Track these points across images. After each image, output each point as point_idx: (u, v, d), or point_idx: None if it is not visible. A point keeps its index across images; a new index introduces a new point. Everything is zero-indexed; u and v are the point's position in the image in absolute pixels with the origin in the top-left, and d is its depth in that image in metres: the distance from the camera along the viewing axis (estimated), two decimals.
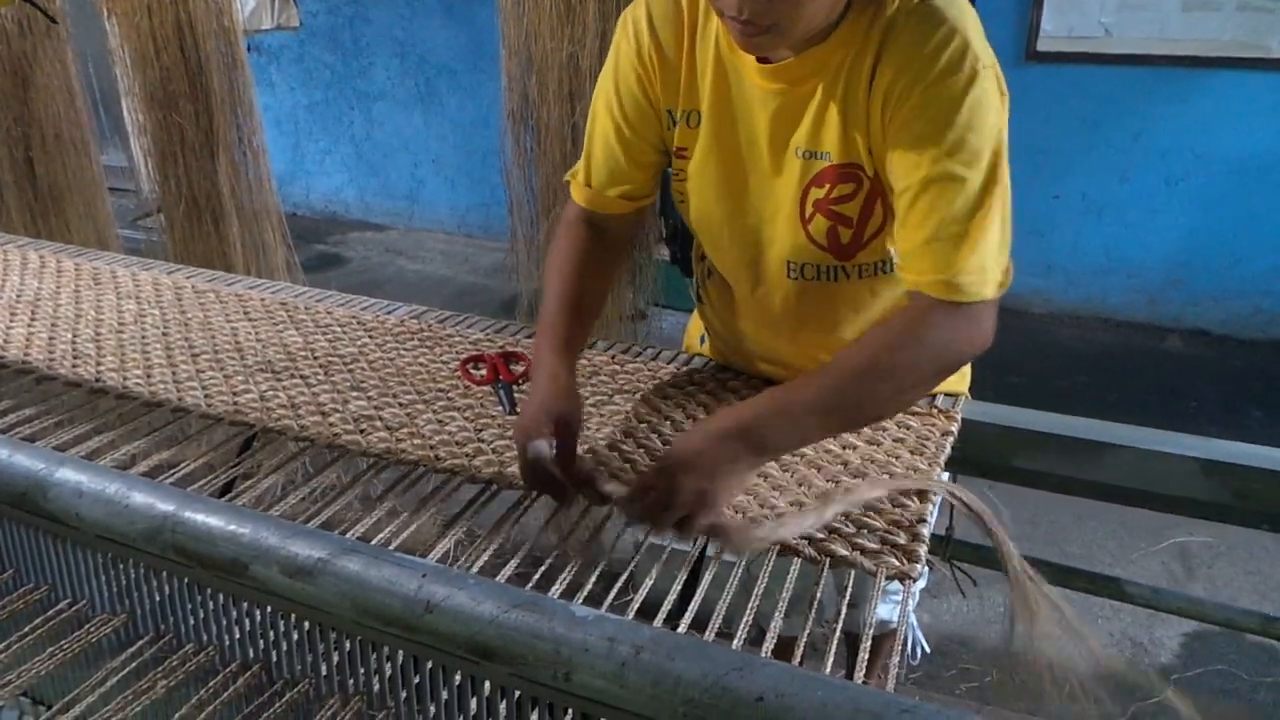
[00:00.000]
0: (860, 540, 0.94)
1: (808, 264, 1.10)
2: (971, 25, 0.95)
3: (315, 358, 1.37)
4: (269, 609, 0.84)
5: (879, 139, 0.99)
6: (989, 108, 0.94)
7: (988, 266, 0.97)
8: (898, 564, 0.91)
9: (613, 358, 1.37)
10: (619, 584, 0.90)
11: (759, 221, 1.11)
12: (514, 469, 1.05)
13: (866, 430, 1.15)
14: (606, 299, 1.20)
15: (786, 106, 1.04)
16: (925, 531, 0.96)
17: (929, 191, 0.96)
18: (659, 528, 0.91)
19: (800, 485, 1.03)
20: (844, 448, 1.11)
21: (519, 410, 1.10)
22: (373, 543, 0.88)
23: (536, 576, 0.90)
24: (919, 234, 0.97)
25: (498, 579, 0.82)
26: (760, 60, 1.03)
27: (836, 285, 1.12)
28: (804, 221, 1.07)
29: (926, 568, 0.94)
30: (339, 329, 1.48)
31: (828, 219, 1.06)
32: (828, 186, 1.04)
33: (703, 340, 1.40)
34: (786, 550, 0.93)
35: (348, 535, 0.88)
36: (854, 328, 1.17)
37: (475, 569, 0.88)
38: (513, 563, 0.96)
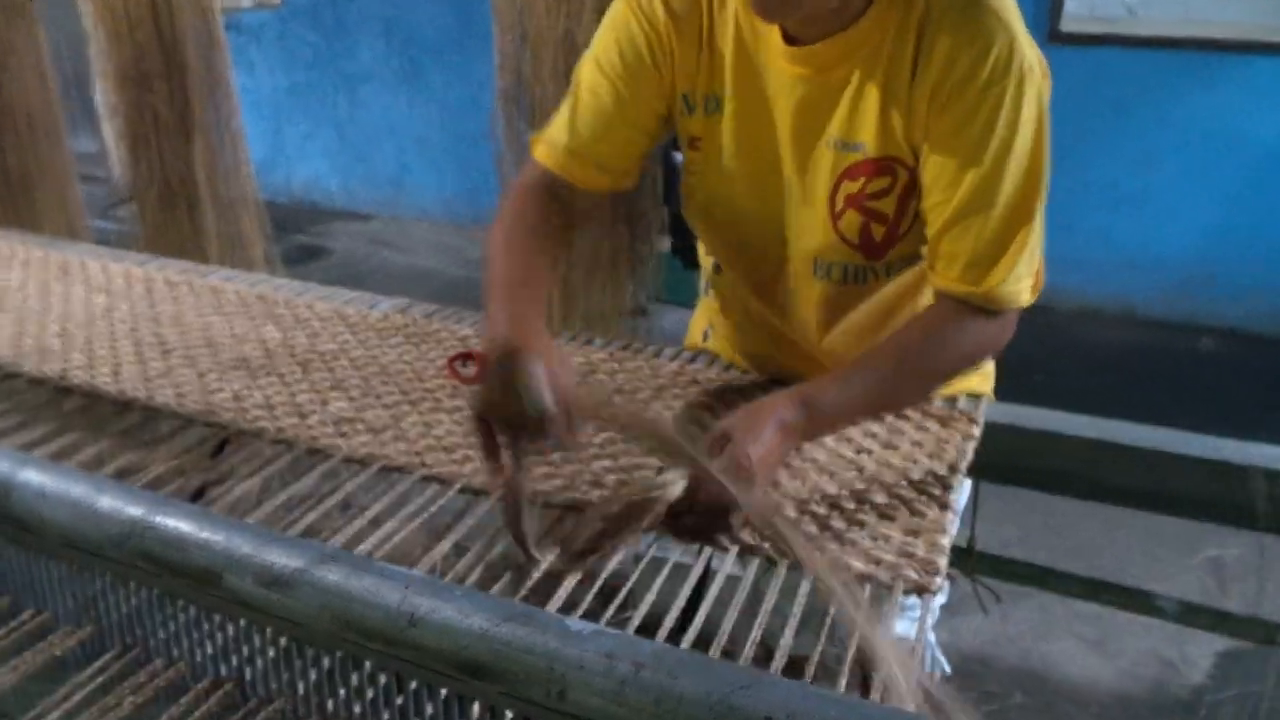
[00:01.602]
0: (876, 551, 0.93)
1: (835, 264, 1.10)
2: (1013, 14, 0.95)
3: (294, 355, 1.37)
4: (243, 622, 0.83)
5: (920, 135, 0.99)
6: (1035, 114, 0.95)
7: (1023, 275, 1.00)
8: (915, 577, 0.90)
9: (611, 355, 1.37)
10: (618, 600, 0.90)
11: (782, 218, 1.10)
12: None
13: (882, 433, 1.14)
14: (556, 272, 1.14)
15: (815, 94, 1.03)
16: (945, 542, 0.95)
17: (969, 205, 0.97)
18: (708, 536, 0.93)
19: (812, 493, 1.03)
20: (858, 452, 1.11)
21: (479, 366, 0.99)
22: (355, 553, 0.88)
23: (527, 584, 0.89)
24: (956, 246, 0.99)
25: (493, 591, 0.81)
26: (787, 43, 1.02)
27: (864, 287, 1.12)
28: (834, 217, 1.06)
29: (947, 581, 0.94)
30: (319, 324, 1.48)
31: (861, 215, 1.05)
32: (863, 180, 1.03)
33: (706, 336, 1.40)
34: (798, 564, 0.93)
35: (327, 544, 0.88)
36: (879, 329, 1.17)
37: (466, 583, 0.88)
38: (505, 577, 0.95)
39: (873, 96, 1.00)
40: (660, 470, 0.90)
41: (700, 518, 0.93)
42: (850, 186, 1.04)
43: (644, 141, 1.13)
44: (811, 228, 1.08)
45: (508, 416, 0.90)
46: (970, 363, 1.07)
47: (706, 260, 1.32)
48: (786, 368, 1.26)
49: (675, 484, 0.91)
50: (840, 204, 1.05)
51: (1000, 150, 0.95)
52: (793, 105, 1.04)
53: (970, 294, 1.00)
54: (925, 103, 0.97)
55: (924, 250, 1.07)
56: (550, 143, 1.13)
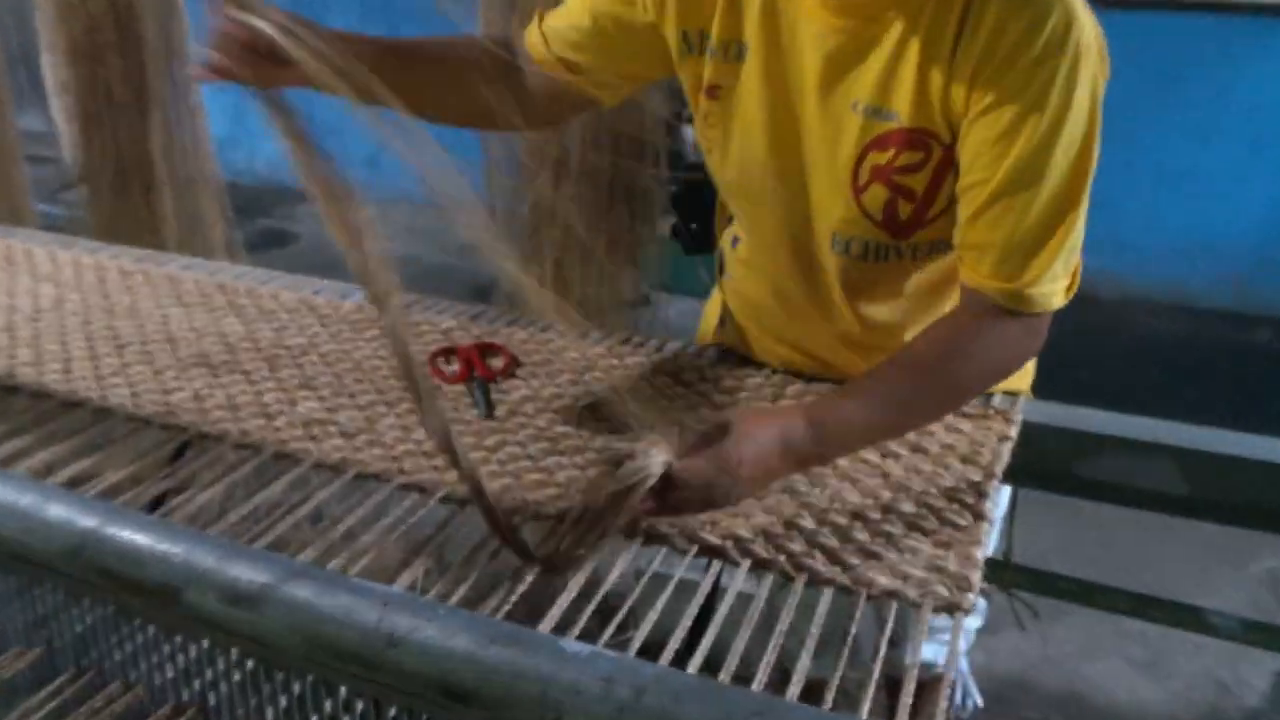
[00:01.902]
0: (904, 566, 0.94)
1: (855, 239, 1.09)
2: None
3: (259, 350, 1.37)
4: (206, 643, 0.83)
5: (959, 110, 0.99)
6: (1089, 97, 0.95)
7: (1059, 275, 0.99)
8: (946, 594, 0.90)
9: (609, 349, 1.37)
10: (618, 619, 0.90)
11: (805, 184, 1.10)
12: (493, 486, 1.04)
13: (910, 435, 1.14)
14: (428, 109, 1.13)
15: (846, 49, 1.02)
16: (979, 555, 0.95)
17: (1009, 191, 0.97)
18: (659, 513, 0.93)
19: (833, 501, 1.03)
20: (884, 456, 1.11)
21: None
22: (327, 568, 0.88)
23: (513, 599, 0.89)
24: (991, 235, 0.99)
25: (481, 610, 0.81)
26: None
27: (886, 265, 1.11)
28: (856, 189, 1.06)
29: (981, 599, 0.94)
30: (286, 316, 1.48)
31: (887, 189, 1.05)
32: (892, 152, 1.03)
33: (722, 324, 1.40)
34: (816, 580, 0.93)
35: (297, 558, 0.88)
36: (900, 315, 1.17)
37: (450, 601, 0.88)
38: (495, 594, 0.95)
39: (911, 60, 0.99)
40: (634, 454, 0.89)
41: (681, 496, 0.92)
42: (878, 158, 1.04)
43: (630, 76, 1.17)
44: (832, 198, 1.08)
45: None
46: (998, 376, 1.06)
47: (724, 234, 1.31)
48: (814, 359, 1.27)
49: (654, 461, 0.90)
50: (865, 176, 1.05)
51: (1049, 131, 0.94)
52: (821, 59, 1.03)
53: (1001, 292, 0.99)
54: (968, 73, 0.96)
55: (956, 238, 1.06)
56: (541, 15, 1.18)
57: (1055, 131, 0.94)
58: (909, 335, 1.18)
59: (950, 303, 1.14)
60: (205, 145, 2.94)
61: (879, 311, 1.17)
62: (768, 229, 1.17)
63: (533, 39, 1.18)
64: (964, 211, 1.01)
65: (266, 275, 1.64)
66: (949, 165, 1.02)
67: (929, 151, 1.02)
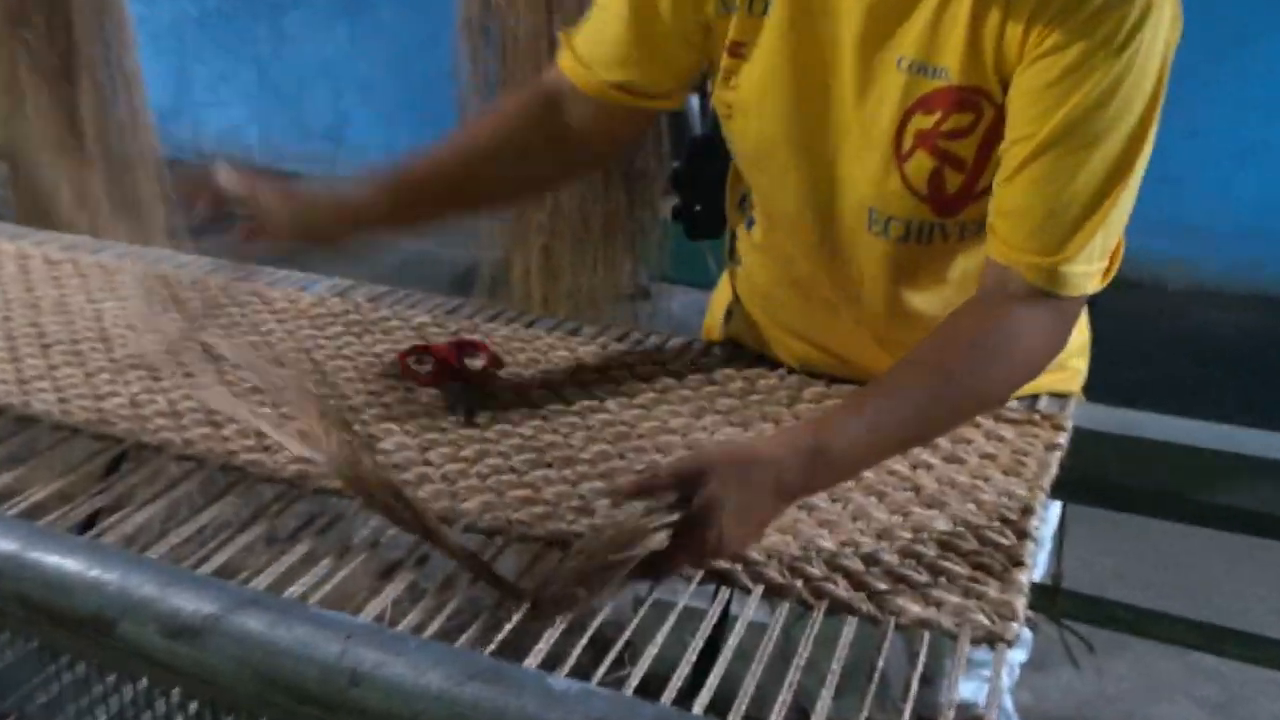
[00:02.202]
0: (938, 592, 0.94)
1: (896, 218, 1.09)
2: None
3: (206, 350, 1.37)
4: (144, 682, 0.83)
5: (1012, 62, 0.99)
6: (1156, 50, 0.95)
7: (1097, 256, 1.00)
8: (987, 623, 0.91)
9: (604, 347, 1.37)
10: (613, 653, 0.90)
11: (835, 153, 1.10)
12: (472, 504, 1.04)
13: (944, 444, 1.14)
14: (508, 197, 1.25)
15: (890, 1, 1.03)
16: (1025, 579, 0.95)
17: (1057, 149, 0.97)
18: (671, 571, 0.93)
19: (855, 520, 1.03)
20: (914, 468, 1.11)
21: None
22: (282, 596, 0.88)
23: (499, 639, 0.89)
24: (1029, 199, 0.99)
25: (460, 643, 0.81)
26: None
27: (929, 248, 1.11)
28: (899, 158, 1.06)
29: (1027, 629, 0.94)
30: (237, 311, 1.48)
31: (933, 158, 1.05)
32: (939, 114, 1.03)
33: (729, 316, 1.40)
34: (838, 608, 0.93)
35: (248, 585, 0.88)
36: (941, 306, 1.17)
37: (425, 634, 0.88)
38: (475, 626, 0.95)
39: (962, 7, 0.99)
40: (649, 511, 0.90)
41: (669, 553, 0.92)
42: (923, 121, 1.04)
43: (685, 62, 1.17)
44: (869, 170, 1.08)
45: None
46: (1028, 375, 1.06)
47: (736, 216, 1.32)
48: (834, 356, 1.27)
49: (658, 534, 0.90)
50: (909, 142, 1.05)
51: (1109, 86, 0.94)
52: (863, 11, 1.03)
53: (1035, 268, 0.99)
54: (1026, 14, 0.97)
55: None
56: (570, 45, 1.19)
57: (1116, 87, 0.94)
58: None
59: None
60: (143, 117, 2.94)
61: (919, 302, 1.17)
62: (789, 208, 1.17)
63: (573, 68, 1.18)
64: (1001, 172, 1.00)
65: (214, 265, 1.64)
66: (1000, 130, 1.02)
67: (979, 113, 1.02)
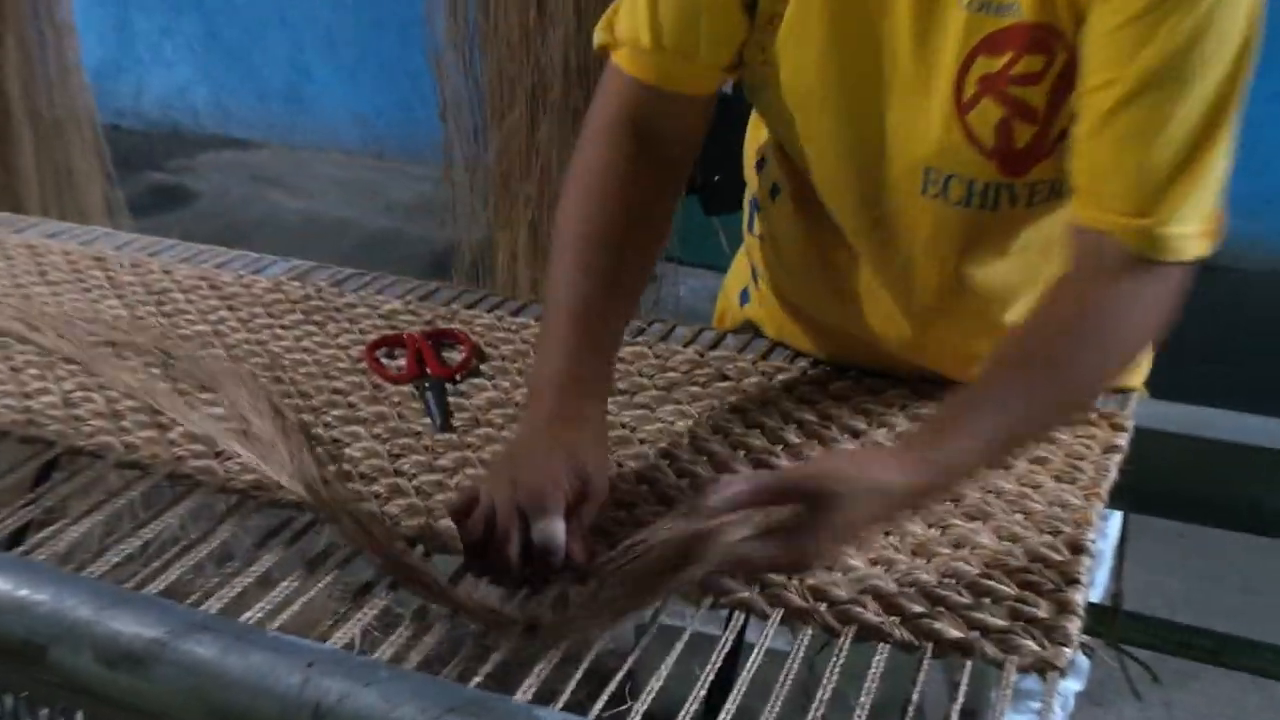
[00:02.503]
0: (980, 614, 0.94)
1: (956, 177, 1.09)
2: None
3: (149, 341, 1.38)
4: (80, 716, 0.83)
5: None
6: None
7: (1198, 215, 0.99)
8: (1037, 649, 0.91)
9: None
10: (612, 685, 0.90)
11: (885, 104, 1.10)
12: (448, 522, 1.04)
13: None
14: (653, 266, 1.20)
15: None
16: (1080, 599, 0.96)
17: (1144, 97, 0.96)
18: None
19: (887, 534, 1.03)
20: None
21: (503, 448, 1.09)
22: (238, 620, 0.88)
23: (484, 670, 0.90)
24: (1119, 154, 0.98)
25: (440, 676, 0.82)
26: None
27: (994, 215, 1.10)
28: (961, 107, 1.05)
29: (1082, 656, 0.94)
30: (183, 297, 1.49)
31: (1001, 106, 1.04)
32: (1008, 56, 1.02)
33: (745, 299, 1.40)
34: (868, 633, 0.93)
35: (198, 608, 0.88)
36: (1002, 281, 1.17)
37: (403, 666, 0.88)
38: (457, 657, 0.96)
39: None
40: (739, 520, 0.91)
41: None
42: (989, 64, 1.03)
43: (742, 26, 1.14)
44: (925, 121, 1.07)
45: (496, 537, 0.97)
46: (1135, 352, 1.06)
47: (756, 183, 1.32)
48: (865, 344, 1.27)
49: (743, 545, 0.92)
50: (972, 89, 1.04)
51: (1203, 19, 0.94)
52: None
53: (1132, 232, 0.98)
54: None
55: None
56: (634, 42, 1.14)
57: (1206, 23, 0.94)
58: (1010, 309, 1.19)
59: (1059, 265, 1.14)
60: (78, 77, 2.94)
61: (976, 277, 1.17)
62: (827, 171, 1.16)
63: (668, 69, 1.14)
64: (1083, 124, 0.99)
65: (157, 244, 1.64)
66: (1073, 75, 1.02)
67: (1051, 55, 1.01)
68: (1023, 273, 1.16)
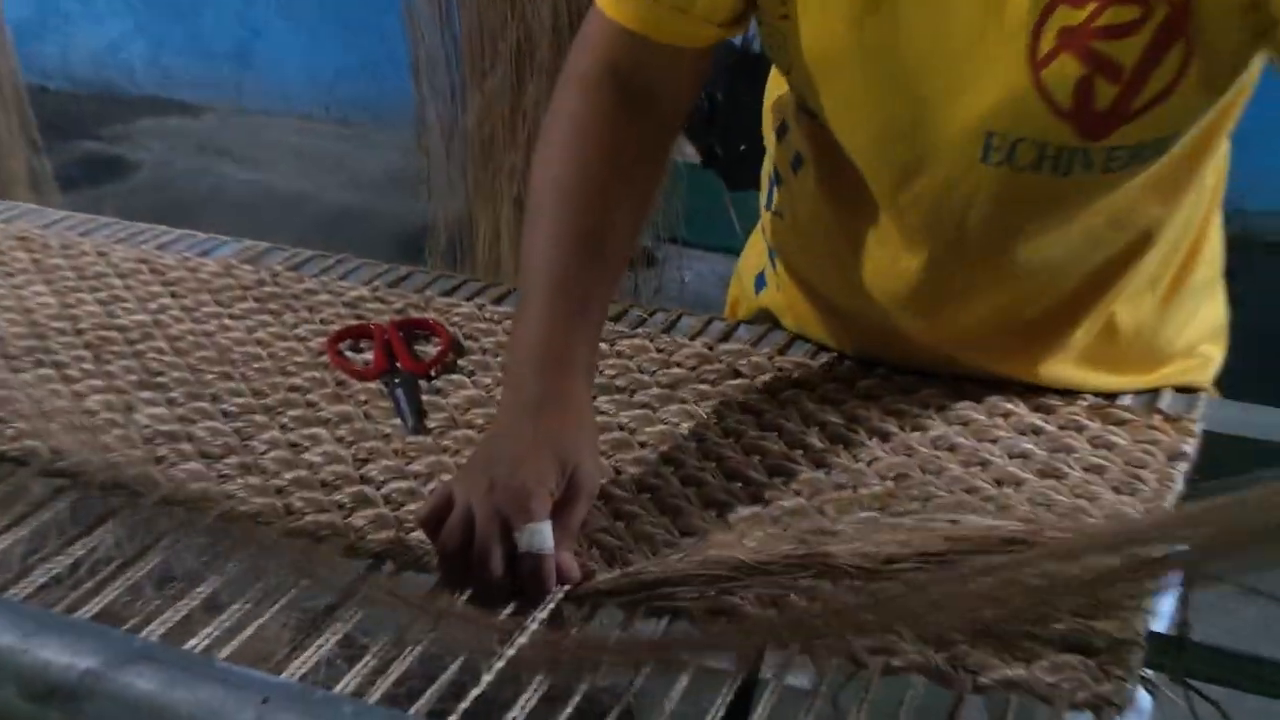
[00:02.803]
0: (1027, 643, 0.94)
1: (1027, 140, 1.09)
2: None
3: (78, 332, 1.38)
4: None
5: None
6: None
7: None
8: (1092, 683, 0.91)
9: None
10: None
11: (933, 62, 1.09)
12: (421, 535, 1.05)
13: (1037, 450, 1.15)
14: (640, 233, 1.20)
15: None
16: (1140, 629, 0.96)
17: None
18: None
19: (919, 548, 1.03)
20: (999, 483, 1.12)
21: (479, 443, 1.10)
22: (182, 648, 0.88)
23: (461, 709, 0.90)
24: None
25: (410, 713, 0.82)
26: None
27: (1066, 182, 1.10)
28: (1036, 64, 1.04)
29: (1144, 692, 0.94)
30: (119, 282, 1.49)
31: (1082, 63, 1.03)
32: (1092, 7, 1.02)
33: (761, 284, 1.40)
34: (900, 665, 0.93)
35: (138, 635, 0.88)
36: (1063, 256, 1.17)
37: (368, 700, 0.88)
38: (428, 691, 0.96)
39: None
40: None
41: None
42: (1070, 16, 1.02)
43: None
44: (993, 76, 1.06)
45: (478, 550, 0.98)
46: None
47: (775, 147, 1.32)
48: (899, 335, 1.27)
49: None
50: (1050, 43, 1.04)
51: None
52: None
53: None
54: None
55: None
56: None
57: None
58: (1065, 282, 1.20)
59: (1127, 235, 1.15)
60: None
61: (1038, 249, 1.17)
62: (865, 137, 1.15)
63: (665, 19, 1.15)
64: None
65: (90, 222, 1.65)
66: (1180, 31, 1.01)
67: (1148, 7, 1.01)
68: (1086, 244, 1.16)
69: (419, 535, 1.05)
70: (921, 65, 1.09)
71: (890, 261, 1.22)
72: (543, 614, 0.96)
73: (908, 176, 1.15)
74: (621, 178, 1.14)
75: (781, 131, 1.30)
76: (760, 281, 1.41)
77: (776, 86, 1.31)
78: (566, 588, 0.99)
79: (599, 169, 1.14)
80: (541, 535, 0.96)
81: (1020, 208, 1.13)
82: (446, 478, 1.13)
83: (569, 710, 0.91)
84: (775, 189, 1.34)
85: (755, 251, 1.44)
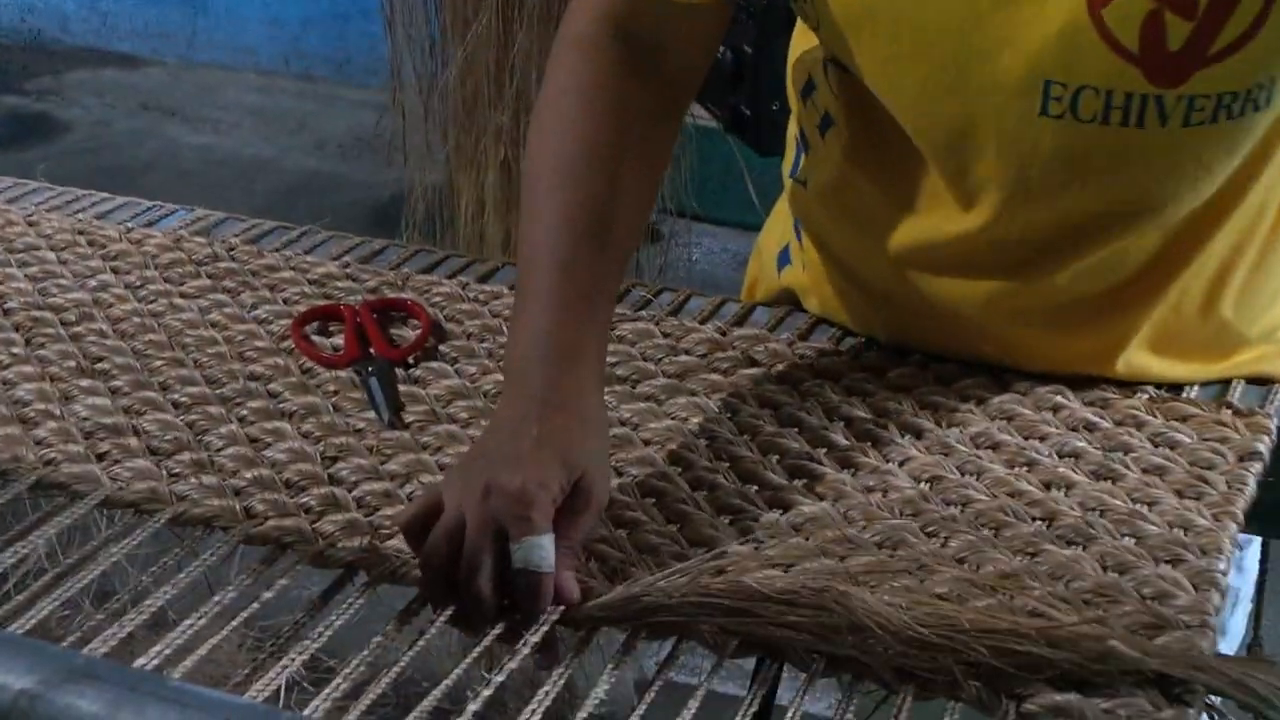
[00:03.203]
0: (1077, 663, 0.95)
1: (1088, 88, 1.08)
2: None
3: (6, 313, 1.39)
4: None
5: None
6: None
7: None
8: (1150, 709, 0.91)
9: None
10: None
11: (980, 4, 1.08)
12: (397, 543, 1.06)
13: (1090, 448, 1.16)
14: (650, 210, 1.20)
15: None
16: (1207, 646, 0.96)
17: None
18: None
19: (961, 562, 1.04)
20: (1047, 486, 1.12)
21: (474, 443, 1.09)
22: (131, 666, 0.89)
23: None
24: None
25: None
26: None
27: (1139, 134, 1.10)
28: (1096, 1, 1.05)
29: (1211, 715, 0.95)
30: (52, 256, 1.50)
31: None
32: None
33: (784, 260, 1.40)
34: (933, 688, 0.94)
35: (81, 651, 0.89)
36: (1148, 229, 1.17)
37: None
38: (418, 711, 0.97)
39: None
40: None
41: None
42: None
43: None
44: (1049, 21, 1.05)
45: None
46: None
47: (801, 108, 1.32)
48: (937, 319, 1.27)
49: None
50: None
51: None
52: None
53: None
54: None
55: None
56: None
57: None
58: (1147, 259, 1.20)
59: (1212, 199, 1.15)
60: None
61: (1108, 215, 1.17)
62: (905, 95, 1.16)
63: None
64: None
65: (18, 187, 1.65)
66: None
67: None
68: (1176, 225, 1.17)
69: (397, 543, 1.05)
70: (967, 9, 1.09)
71: (939, 226, 1.22)
72: (535, 637, 0.96)
73: (955, 137, 1.14)
74: (630, 149, 1.14)
75: (807, 90, 1.31)
76: (784, 258, 1.42)
77: (802, 41, 1.31)
78: (562, 609, 0.98)
79: (605, 139, 1.14)
80: (541, 551, 0.95)
81: (1083, 170, 1.13)
82: (427, 478, 1.14)
83: None
84: (801, 155, 1.34)
85: (779, 225, 1.44)
